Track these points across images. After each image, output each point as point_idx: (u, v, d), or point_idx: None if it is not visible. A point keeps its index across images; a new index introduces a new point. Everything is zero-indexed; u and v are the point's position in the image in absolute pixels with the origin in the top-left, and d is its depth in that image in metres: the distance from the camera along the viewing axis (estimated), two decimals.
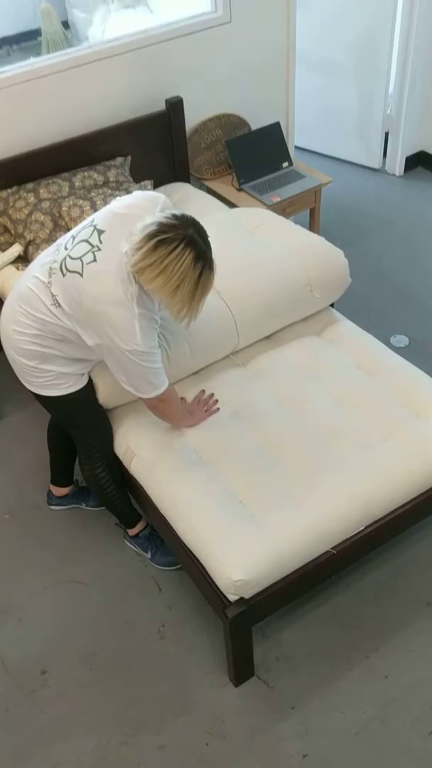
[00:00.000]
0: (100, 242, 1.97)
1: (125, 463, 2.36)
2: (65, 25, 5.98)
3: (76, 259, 1.98)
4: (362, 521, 2.13)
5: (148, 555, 2.54)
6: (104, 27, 5.61)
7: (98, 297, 1.94)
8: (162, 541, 2.51)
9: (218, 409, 2.37)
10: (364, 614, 2.35)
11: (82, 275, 1.96)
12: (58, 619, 2.42)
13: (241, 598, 1.98)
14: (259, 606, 2.02)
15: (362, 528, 2.13)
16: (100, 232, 1.99)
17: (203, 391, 2.43)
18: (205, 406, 2.38)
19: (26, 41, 6.17)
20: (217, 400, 2.40)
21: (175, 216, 1.87)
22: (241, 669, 2.18)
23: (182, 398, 2.39)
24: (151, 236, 1.82)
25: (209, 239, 1.91)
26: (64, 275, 2.00)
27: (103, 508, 2.61)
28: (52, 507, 2.75)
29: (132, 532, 2.56)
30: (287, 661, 2.25)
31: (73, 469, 2.69)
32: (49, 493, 2.74)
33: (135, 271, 1.87)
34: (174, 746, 2.09)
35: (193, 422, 2.33)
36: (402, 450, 2.21)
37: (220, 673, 2.24)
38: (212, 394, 2.42)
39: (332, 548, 2.09)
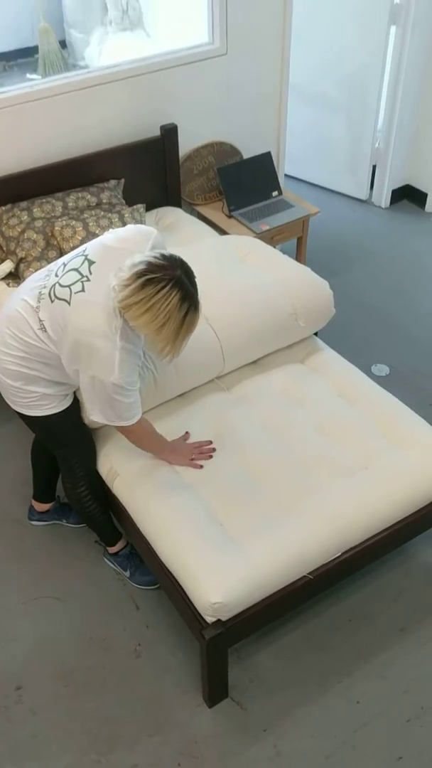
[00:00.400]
0: (90, 273, 2.02)
1: (108, 482, 2.40)
2: (62, 44, 6.07)
3: (65, 287, 2.03)
4: (339, 547, 2.17)
5: (127, 573, 2.57)
6: (101, 48, 5.72)
7: (83, 326, 1.98)
8: (141, 560, 2.54)
9: (210, 457, 2.35)
10: (339, 639, 2.39)
11: (69, 303, 2.00)
12: (35, 635, 2.43)
13: (218, 620, 2.02)
14: (236, 628, 2.06)
15: (339, 554, 2.17)
16: (91, 262, 2.04)
17: (210, 441, 2.40)
18: (197, 451, 2.36)
19: (23, 58, 6.25)
20: (214, 449, 2.37)
21: (164, 256, 1.91)
22: (216, 690, 2.21)
23: (186, 433, 2.41)
24: (139, 275, 1.86)
25: (196, 279, 1.96)
26: (52, 301, 2.04)
27: (84, 525, 2.64)
28: (32, 522, 2.77)
29: (112, 550, 2.59)
30: (261, 684, 2.29)
31: (56, 486, 2.71)
32: (31, 508, 2.76)
33: (122, 306, 1.90)
34: (146, 765, 2.11)
35: (174, 460, 2.33)
36: (380, 479, 2.27)
37: (194, 694, 2.27)
38: (210, 443, 2.39)
39: (309, 573, 2.13)
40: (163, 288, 1.85)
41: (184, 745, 2.15)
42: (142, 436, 2.24)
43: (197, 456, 2.34)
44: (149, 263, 1.88)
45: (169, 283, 1.85)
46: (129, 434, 2.21)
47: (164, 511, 2.21)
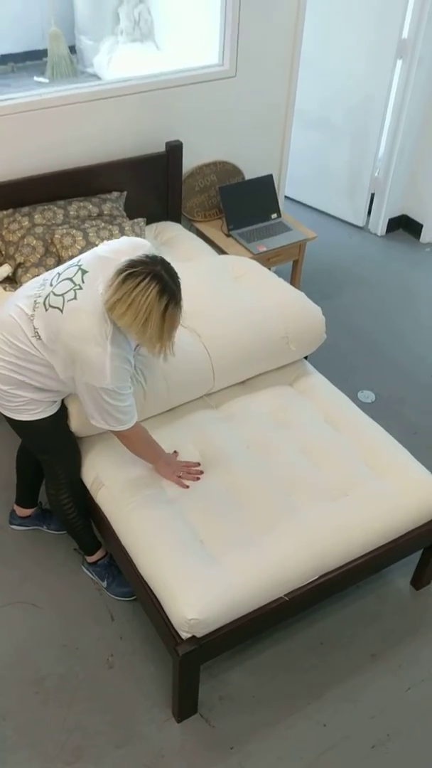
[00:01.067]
0: (83, 282, 2.07)
1: (92, 492, 2.42)
2: (72, 49, 6.12)
3: (58, 295, 2.08)
4: (316, 571, 2.20)
5: (104, 584, 2.58)
6: (110, 57, 5.77)
7: (74, 333, 2.02)
8: (119, 571, 2.56)
9: (197, 479, 2.37)
10: (310, 661, 2.42)
11: (62, 311, 2.05)
12: (9, 640, 2.44)
13: (193, 637, 2.04)
14: (210, 645, 2.08)
15: (316, 577, 2.20)
16: (84, 272, 2.08)
17: (199, 463, 2.42)
18: (185, 470, 2.38)
19: (31, 60, 6.29)
20: (202, 472, 2.39)
21: (146, 255, 1.99)
22: (185, 706, 2.23)
23: (174, 452, 2.43)
24: (120, 272, 1.93)
25: (179, 280, 2.01)
26: (46, 310, 2.08)
27: (65, 532, 2.65)
28: (13, 527, 2.78)
29: (91, 559, 2.61)
30: (231, 702, 2.31)
31: (39, 492, 2.73)
32: (12, 512, 2.78)
33: (108, 308, 1.96)
34: None
35: (165, 473, 2.36)
36: (360, 506, 2.31)
37: (163, 708, 2.28)
38: (199, 465, 2.41)
39: (285, 595, 2.16)
40: (141, 281, 1.90)
41: (151, 758, 2.17)
42: (137, 442, 2.27)
43: (184, 475, 2.37)
44: (131, 261, 1.95)
45: (147, 276, 1.91)
46: (125, 439, 2.25)
47: (146, 525, 2.24)
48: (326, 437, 2.56)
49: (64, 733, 2.21)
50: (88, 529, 2.55)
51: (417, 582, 2.64)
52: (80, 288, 2.06)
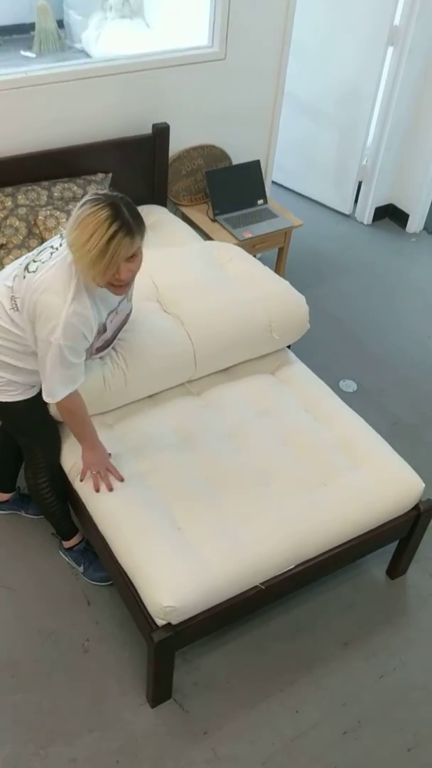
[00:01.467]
0: (60, 245, 2.06)
1: (71, 478, 2.41)
2: (60, 24, 6.01)
3: (37, 261, 2.07)
4: (293, 560, 2.22)
5: (81, 569, 2.59)
6: (99, 33, 5.68)
7: (38, 286, 2.00)
8: (96, 556, 2.56)
9: (110, 487, 2.28)
10: (284, 649, 2.44)
11: (36, 272, 2.04)
12: None
13: (169, 624, 2.05)
14: (185, 632, 2.09)
15: (292, 567, 2.22)
16: (63, 237, 2.06)
17: (123, 479, 2.31)
18: (109, 468, 2.30)
19: (18, 34, 6.17)
20: (121, 480, 2.30)
21: (111, 190, 2.00)
22: (160, 691, 2.25)
23: (109, 453, 2.35)
24: (81, 202, 1.92)
25: (143, 222, 1.96)
26: (24, 277, 2.07)
27: (42, 517, 2.65)
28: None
29: (67, 544, 2.61)
30: (205, 687, 2.33)
31: (17, 477, 2.72)
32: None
33: (66, 232, 1.93)
34: (85, 761, 2.14)
35: (86, 457, 2.29)
36: (337, 496, 2.32)
37: (138, 692, 2.30)
38: (122, 480, 2.31)
39: (261, 583, 2.17)
40: (95, 206, 1.88)
41: (124, 742, 2.19)
42: (69, 416, 2.21)
43: (103, 473, 2.29)
44: (93, 193, 1.94)
45: (103, 203, 1.88)
46: (60, 405, 2.17)
47: (123, 511, 2.24)
48: (306, 427, 2.57)
49: (39, 716, 2.22)
50: (65, 513, 2.54)
51: (392, 572, 2.67)
52: (56, 250, 2.05)
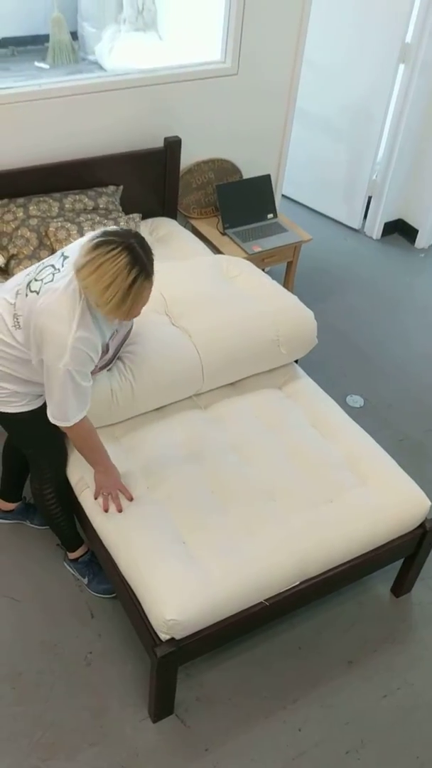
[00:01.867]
0: (62, 266, 2.06)
1: (77, 491, 2.41)
2: (74, 35, 6.07)
3: (39, 281, 2.07)
4: (297, 577, 2.21)
5: (85, 580, 2.58)
6: (112, 46, 5.73)
7: (44, 309, 2.00)
8: (100, 568, 2.56)
9: (120, 508, 2.27)
10: (287, 666, 2.43)
11: (38, 293, 2.04)
12: None
13: (172, 639, 2.04)
14: (188, 648, 2.08)
15: (297, 583, 2.21)
16: (65, 258, 2.08)
17: (132, 498, 2.30)
18: (119, 491, 2.30)
19: (33, 45, 6.23)
20: (131, 499, 2.29)
21: (120, 228, 1.98)
22: (162, 706, 2.24)
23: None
24: (93, 238, 1.92)
25: (153, 256, 1.97)
26: (26, 296, 2.07)
27: (48, 527, 2.65)
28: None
29: (72, 555, 2.60)
30: (207, 703, 2.31)
31: (23, 486, 2.72)
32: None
33: (75, 270, 1.93)
34: None
35: (99, 479, 2.29)
36: (343, 513, 2.31)
37: (140, 707, 2.29)
38: (132, 499, 2.31)
39: (266, 600, 2.16)
40: (112, 250, 1.87)
41: (125, 757, 2.17)
42: (78, 439, 2.19)
43: (114, 494, 2.29)
44: (105, 232, 1.93)
45: (119, 246, 1.88)
46: (73, 432, 2.16)
47: (129, 524, 2.23)
48: (313, 442, 2.56)
49: (39, 729, 2.22)
50: (71, 525, 2.54)
51: (397, 590, 2.66)
52: (59, 271, 2.05)
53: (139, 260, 1.90)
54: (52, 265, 2.09)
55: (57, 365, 1.98)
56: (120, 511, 2.27)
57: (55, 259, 2.11)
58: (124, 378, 2.49)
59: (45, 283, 2.04)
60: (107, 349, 2.26)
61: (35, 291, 2.05)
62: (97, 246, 1.89)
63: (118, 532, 2.24)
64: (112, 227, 2.00)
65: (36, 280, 2.07)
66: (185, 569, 2.12)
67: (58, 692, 2.31)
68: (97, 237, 1.92)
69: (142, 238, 1.97)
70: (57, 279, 2.03)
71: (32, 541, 2.72)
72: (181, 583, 2.08)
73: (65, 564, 2.64)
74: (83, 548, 2.60)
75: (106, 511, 2.28)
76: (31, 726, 2.22)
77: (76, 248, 2.09)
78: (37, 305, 2.02)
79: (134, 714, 2.27)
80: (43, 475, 2.42)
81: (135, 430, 2.54)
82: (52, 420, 2.11)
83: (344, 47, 4.23)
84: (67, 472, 2.45)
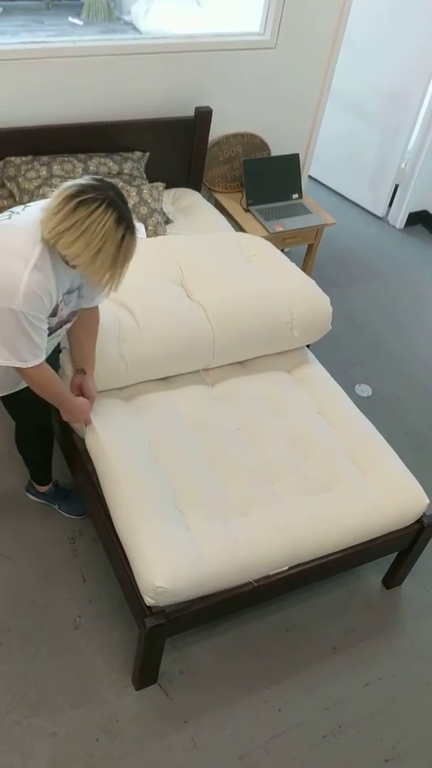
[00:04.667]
0: (22, 210, 1.94)
1: (83, 435, 2.41)
2: None
3: None
4: (288, 561, 2.21)
5: (56, 506, 2.68)
6: (149, 8, 5.61)
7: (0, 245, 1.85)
8: (67, 494, 2.68)
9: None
10: (273, 647, 2.45)
11: None
12: None
13: (162, 612, 2.05)
14: (177, 621, 2.09)
15: (286, 568, 2.21)
16: (26, 206, 1.95)
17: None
18: (90, 409, 2.31)
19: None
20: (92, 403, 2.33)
21: (94, 178, 1.78)
22: (146, 675, 2.26)
23: (79, 395, 2.31)
24: (69, 198, 1.73)
25: (129, 208, 1.82)
26: None
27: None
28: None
29: (41, 489, 2.69)
30: (191, 676, 2.34)
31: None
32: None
33: (52, 236, 1.76)
34: (65, 735, 2.16)
35: (66, 418, 2.30)
36: (340, 503, 2.30)
37: (124, 674, 2.31)
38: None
39: (254, 580, 2.17)
40: (96, 209, 1.71)
41: (106, 722, 2.20)
42: (43, 383, 2.08)
43: (87, 416, 2.31)
44: (80, 185, 1.74)
45: (102, 203, 1.72)
46: (29, 378, 2.05)
47: (131, 481, 2.20)
48: (317, 429, 2.55)
49: (24, 687, 2.24)
50: (48, 460, 2.60)
51: (389, 582, 2.66)
52: (18, 213, 1.91)
53: (123, 215, 1.75)
54: (11, 210, 1.96)
55: (8, 306, 1.82)
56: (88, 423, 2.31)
57: (16, 208, 1.97)
58: (134, 343, 2.48)
59: (0, 221, 1.90)
60: (55, 312, 2.00)
61: None
62: (77, 207, 1.72)
63: (121, 489, 2.20)
64: (82, 178, 1.79)
65: None
66: (179, 539, 2.10)
67: (44, 652, 2.33)
68: (75, 196, 1.73)
69: (117, 188, 1.80)
70: (14, 218, 1.90)
71: (30, 504, 2.74)
72: (174, 551, 2.07)
73: (30, 495, 2.72)
74: (51, 483, 2.69)
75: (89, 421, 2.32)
76: (15, 683, 2.25)
77: (40, 205, 1.91)
78: None
79: (118, 680, 2.30)
80: (31, 428, 2.45)
81: (141, 396, 2.54)
82: (2, 361, 1.94)
83: (386, 31, 4.14)
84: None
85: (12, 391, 2.22)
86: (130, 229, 1.79)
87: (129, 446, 2.31)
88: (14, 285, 1.81)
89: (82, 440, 2.43)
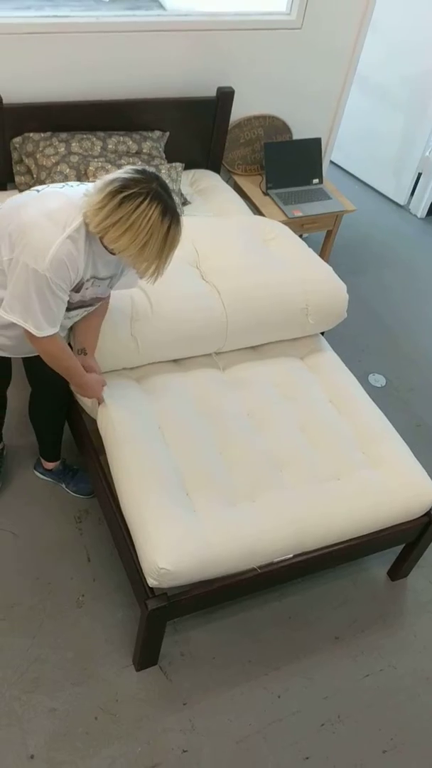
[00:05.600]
0: (77, 185, 1.95)
1: (94, 416, 2.41)
2: None
3: (43, 186, 1.96)
4: (292, 549, 2.20)
5: (64, 485, 2.69)
6: None
7: (39, 207, 1.86)
8: (74, 473, 2.69)
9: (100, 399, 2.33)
10: (275, 633, 2.44)
11: (39, 192, 1.92)
12: None
13: (164, 594, 2.05)
14: (180, 603, 2.09)
15: (290, 555, 2.20)
16: (83, 183, 1.97)
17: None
18: (102, 385, 2.32)
19: None
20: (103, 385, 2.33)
21: (136, 170, 1.79)
22: (146, 656, 2.27)
23: (93, 372, 2.29)
24: (114, 193, 1.74)
25: (174, 197, 1.85)
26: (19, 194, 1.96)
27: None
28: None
29: (48, 466, 2.69)
30: (191, 659, 2.34)
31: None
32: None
33: (98, 231, 1.79)
34: (64, 712, 2.17)
35: (80, 392, 2.30)
36: (348, 492, 2.29)
37: (124, 654, 2.32)
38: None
39: (258, 567, 2.16)
40: (141, 203, 1.73)
41: (105, 701, 2.21)
42: (56, 354, 2.06)
43: (99, 393, 2.31)
44: (124, 179, 1.76)
45: (148, 197, 1.73)
46: (41, 347, 2.02)
47: (139, 461, 2.20)
48: (328, 417, 2.53)
49: (25, 663, 2.26)
50: (60, 437, 2.61)
51: (394, 574, 2.65)
52: (71, 186, 1.93)
53: (168, 206, 1.77)
54: (68, 183, 1.96)
55: (32, 265, 1.81)
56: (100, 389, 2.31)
57: (70, 183, 1.98)
58: (148, 323, 2.46)
59: (50, 186, 1.91)
60: (78, 289, 2.00)
61: (35, 190, 1.92)
62: (122, 203, 1.73)
63: (129, 469, 2.20)
64: (125, 171, 1.79)
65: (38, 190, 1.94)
66: (185, 520, 2.10)
67: (46, 629, 2.34)
68: (119, 191, 1.74)
69: (160, 178, 1.82)
70: (67, 189, 1.90)
71: (37, 482, 2.74)
72: (179, 534, 2.06)
73: (38, 473, 2.73)
74: (58, 460, 2.70)
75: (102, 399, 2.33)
76: (16, 658, 2.26)
77: (87, 186, 1.92)
78: (33, 202, 1.87)
79: (119, 660, 2.31)
80: (45, 402, 2.48)
81: (153, 378, 2.53)
82: (11, 316, 1.91)
83: (414, 14, 4.05)
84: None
85: (33, 354, 2.20)
86: (176, 219, 1.81)
87: (139, 427, 2.31)
88: (45, 248, 1.81)
89: (92, 420, 2.43)
